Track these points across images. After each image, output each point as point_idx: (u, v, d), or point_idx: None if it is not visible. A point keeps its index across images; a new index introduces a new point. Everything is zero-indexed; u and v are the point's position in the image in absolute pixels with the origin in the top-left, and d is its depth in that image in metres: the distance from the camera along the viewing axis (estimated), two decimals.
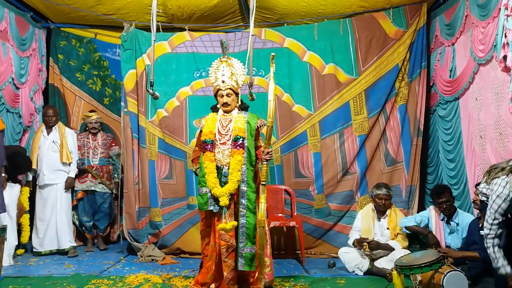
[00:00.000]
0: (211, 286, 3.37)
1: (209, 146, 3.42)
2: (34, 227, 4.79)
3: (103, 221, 5.18)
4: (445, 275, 3.00)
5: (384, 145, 4.90)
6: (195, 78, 5.03)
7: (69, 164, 4.91)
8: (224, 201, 3.27)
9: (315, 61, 4.98)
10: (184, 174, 4.97)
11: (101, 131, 5.22)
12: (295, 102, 4.99)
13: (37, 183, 4.84)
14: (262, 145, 3.49)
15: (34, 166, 4.75)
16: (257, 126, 3.46)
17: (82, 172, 5.04)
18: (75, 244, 4.91)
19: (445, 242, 3.89)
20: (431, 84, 4.87)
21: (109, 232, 5.34)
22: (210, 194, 3.33)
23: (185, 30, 5.08)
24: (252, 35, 3.56)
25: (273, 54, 3.26)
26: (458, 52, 4.27)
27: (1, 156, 3.92)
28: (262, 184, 3.23)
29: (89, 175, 5.07)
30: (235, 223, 3.25)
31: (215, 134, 3.43)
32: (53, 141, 4.85)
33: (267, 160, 3.28)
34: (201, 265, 3.55)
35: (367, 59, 4.92)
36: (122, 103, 5.03)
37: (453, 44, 4.36)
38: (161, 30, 4.92)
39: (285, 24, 5.09)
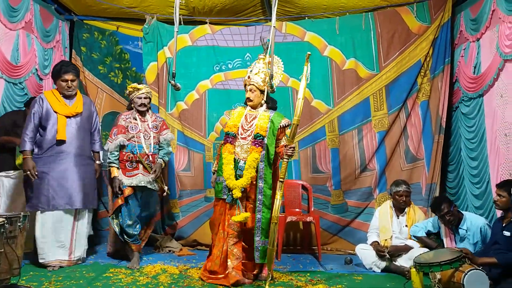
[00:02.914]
0: (219, 276, 3.45)
1: (230, 138, 3.56)
2: None
3: (150, 224, 4.29)
4: (466, 274, 2.96)
5: (405, 141, 4.83)
6: (215, 71, 5.05)
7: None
8: (236, 193, 3.41)
9: (336, 55, 4.93)
10: (202, 167, 5.00)
11: (150, 110, 4.27)
12: (314, 97, 4.96)
13: None
14: (285, 144, 3.49)
15: None
16: (281, 125, 3.51)
17: (131, 162, 4.06)
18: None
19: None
20: (454, 81, 4.77)
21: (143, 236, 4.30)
22: (225, 183, 3.46)
23: (206, 23, 5.09)
24: (274, 27, 3.55)
25: (308, 53, 3.21)
26: (483, 48, 4.16)
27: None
28: (280, 181, 3.25)
29: (140, 166, 4.04)
30: (247, 214, 3.36)
31: (238, 128, 3.56)
32: None
33: (289, 156, 3.28)
34: (210, 253, 3.64)
35: (389, 54, 4.86)
36: None
37: (478, 40, 4.25)
38: (182, 23, 4.94)
39: (306, 18, 5.05)
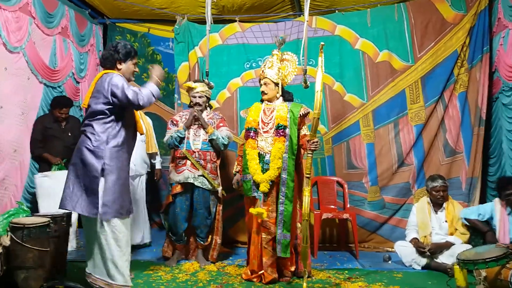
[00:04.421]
0: (259, 273, 3.46)
1: (252, 133, 3.57)
2: None
3: (203, 228, 4.03)
4: None
5: (443, 135, 4.68)
6: (245, 69, 5.04)
7: (154, 157, 4.71)
8: (263, 187, 3.40)
9: (368, 48, 4.83)
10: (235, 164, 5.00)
11: (208, 109, 4.19)
12: (347, 91, 4.87)
13: None
14: (306, 133, 3.48)
15: None
16: (300, 114, 3.50)
17: (181, 158, 4.02)
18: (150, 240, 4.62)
19: (510, 238, 3.65)
20: (493, 70, 4.58)
21: (211, 243, 4.12)
22: (252, 180, 3.45)
23: (235, 21, 5.09)
24: (307, 20, 3.53)
25: (322, 43, 3.20)
26: None
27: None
28: (307, 177, 3.21)
29: (188, 163, 3.96)
30: (262, 210, 3.33)
31: (258, 122, 3.58)
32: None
33: (312, 151, 3.25)
34: (248, 254, 3.66)
35: (424, 45, 4.72)
36: (175, 95, 5.12)
37: None
38: (212, 22, 4.96)
39: (336, 11, 4.98)
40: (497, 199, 3.85)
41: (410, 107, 4.74)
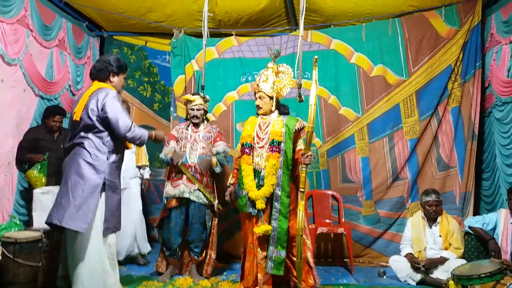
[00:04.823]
0: None
1: (247, 149, 3.52)
2: None
3: (198, 243, 3.97)
4: (508, 287, 2.84)
5: (436, 149, 4.71)
6: (241, 82, 5.07)
7: (143, 168, 4.62)
8: (259, 204, 3.35)
9: (363, 62, 4.88)
10: None
11: (205, 122, 4.14)
12: (342, 105, 4.90)
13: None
14: (302, 148, 3.47)
15: None
16: (296, 128, 3.46)
17: (177, 172, 3.95)
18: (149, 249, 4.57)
19: None
20: (486, 85, 4.63)
21: (205, 258, 4.07)
22: (248, 196, 3.41)
23: (232, 35, 5.13)
24: (301, 35, 3.55)
25: (316, 57, 3.21)
26: None
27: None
28: (301, 191, 3.20)
29: (184, 177, 3.90)
30: (269, 227, 3.29)
31: (253, 137, 3.53)
32: None
33: (306, 164, 3.25)
34: (242, 269, 3.61)
35: (418, 59, 4.76)
36: (171, 108, 5.13)
37: (511, 42, 4.13)
38: (209, 35, 5.00)
39: (332, 26, 5.03)
40: (502, 209, 3.88)
41: (405, 121, 4.76)
